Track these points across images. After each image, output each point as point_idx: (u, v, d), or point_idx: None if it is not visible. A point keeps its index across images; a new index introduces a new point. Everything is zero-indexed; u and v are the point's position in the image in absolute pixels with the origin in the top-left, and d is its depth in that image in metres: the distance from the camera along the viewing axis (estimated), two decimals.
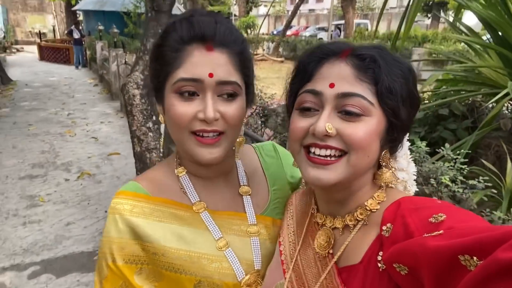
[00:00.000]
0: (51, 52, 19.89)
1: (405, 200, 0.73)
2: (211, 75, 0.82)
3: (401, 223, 0.66)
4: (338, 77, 0.71)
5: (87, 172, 5.77)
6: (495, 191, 2.43)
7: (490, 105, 3.39)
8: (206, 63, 0.82)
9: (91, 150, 6.76)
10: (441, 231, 0.57)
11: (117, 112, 9.60)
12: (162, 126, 1.02)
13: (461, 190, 2.06)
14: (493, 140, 3.36)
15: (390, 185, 0.82)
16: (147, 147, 3.83)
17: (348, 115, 0.70)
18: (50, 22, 30.87)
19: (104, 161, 6.28)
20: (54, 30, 29.12)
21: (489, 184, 2.28)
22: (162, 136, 1.01)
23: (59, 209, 4.67)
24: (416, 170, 0.84)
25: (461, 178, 2.17)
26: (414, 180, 0.84)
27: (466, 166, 2.35)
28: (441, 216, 0.61)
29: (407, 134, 0.81)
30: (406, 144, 0.82)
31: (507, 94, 2.58)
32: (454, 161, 2.36)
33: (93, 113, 9.53)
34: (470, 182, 2.17)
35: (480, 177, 2.20)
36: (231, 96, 0.86)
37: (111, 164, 6.16)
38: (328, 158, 0.71)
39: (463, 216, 0.61)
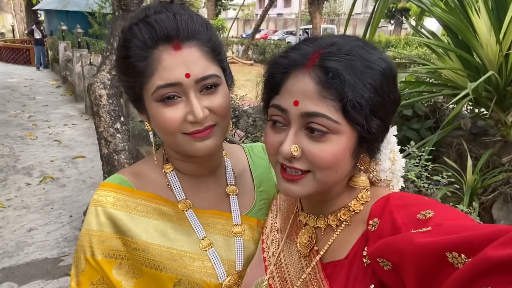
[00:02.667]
0: (10, 53, 19.01)
1: (393, 196, 0.73)
2: (187, 75, 0.79)
3: (388, 218, 0.66)
4: (301, 94, 0.67)
5: (50, 176, 5.54)
6: (458, 187, 2.55)
7: (451, 106, 3.55)
8: (179, 64, 0.79)
9: (54, 154, 6.51)
10: (429, 228, 0.56)
11: (81, 114, 9.30)
12: (150, 134, 0.98)
13: (426, 186, 2.14)
14: (455, 139, 3.52)
15: (377, 184, 0.80)
16: (115, 149, 3.72)
17: (313, 132, 0.68)
18: (9, 22, 29.47)
19: (68, 164, 6.06)
20: (13, 30, 27.86)
21: (452, 180, 2.38)
22: (153, 143, 0.97)
23: (20, 215, 4.45)
24: (404, 165, 0.80)
25: (426, 174, 2.26)
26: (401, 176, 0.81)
27: (430, 163, 2.45)
28: (429, 213, 0.60)
29: (395, 132, 0.78)
30: (393, 141, 0.78)
31: (467, 95, 2.70)
32: (419, 158, 2.45)
33: (56, 115, 9.18)
34: (434, 178, 2.26)
35: (444, 173, 2.29)
36: (214, 88, 0.84)
37: (76, 167, 5.95)
38: (294, 173, 0.71)
39: (451, 214, 0.61)
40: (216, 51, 0.86)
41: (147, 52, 0.80)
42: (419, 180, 2.15)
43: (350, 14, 3.66)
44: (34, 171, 5.76)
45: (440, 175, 2.27)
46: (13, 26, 28.11)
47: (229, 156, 1.07)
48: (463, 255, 0.48)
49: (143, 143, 4.61)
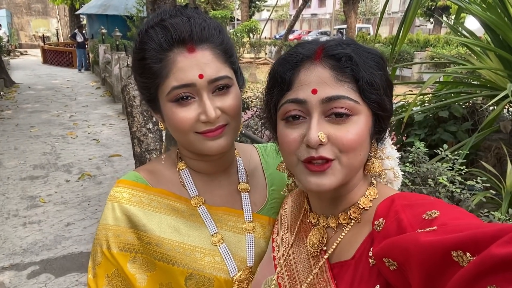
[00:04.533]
0: (55, 56, 20.04)
1: (399, 196, 0.73)
2: (201, 76, 0.83)
3: (394, 218, 0.66)
4: (318, 82, 0.70)
5: (88, 174, 5.78)
6: (494, 193, 2.42)
7: (491, 107, 3.39)
8: (192, 66, 0.82)
9: (92, 152, 6.78)
10: (434, 227, 0.56)
11: (118, 114, 9.64)
12: (163, 133, 1.04)
13: (458, 191, 2.05)
14: (494, 142, 3.35)
15: (382, 180, 0.82)
16: (147, 148, 3.84)
17: (337, 117, 0.69)
18: (53, 26, 31.10)
19: (105, 162, 6.30)
20: (57, 34, 29.35)
21: (487, 185, 2.26)
22: (164, 142, 1.03)
23: (59, 210, 4.68)
24: (399, 155, 0.84)
25: (459, 179, 2.16)
26: (398, 165, 0.84)
27: (465, 167, 2.34)
28: (435, 213, 0.60)
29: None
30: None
31: (506, 96, 2.57)
32: (452, 162, 2.36)
33: (95, 115, 9.57)
34: (468, 182, 2.16)
35: (478, 178, 2.19)
36: (226, 89, 0.87)
37: (112, 165, 6.17)
38: (321, 163, 0.71)
39: (456, 214, 0.61)
40: (228, 54, 0.89)
41: (163, 55, 0.83)
42: (451, 184, 2.07)
43: (382, 14, 3.57)
44: (73, 168, 6.03)
45: (475, 180, 2.17)
46: (57, 30, 29.62)
47: (241, 155, 1.09)
48: (468, 254, 0.48)
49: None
